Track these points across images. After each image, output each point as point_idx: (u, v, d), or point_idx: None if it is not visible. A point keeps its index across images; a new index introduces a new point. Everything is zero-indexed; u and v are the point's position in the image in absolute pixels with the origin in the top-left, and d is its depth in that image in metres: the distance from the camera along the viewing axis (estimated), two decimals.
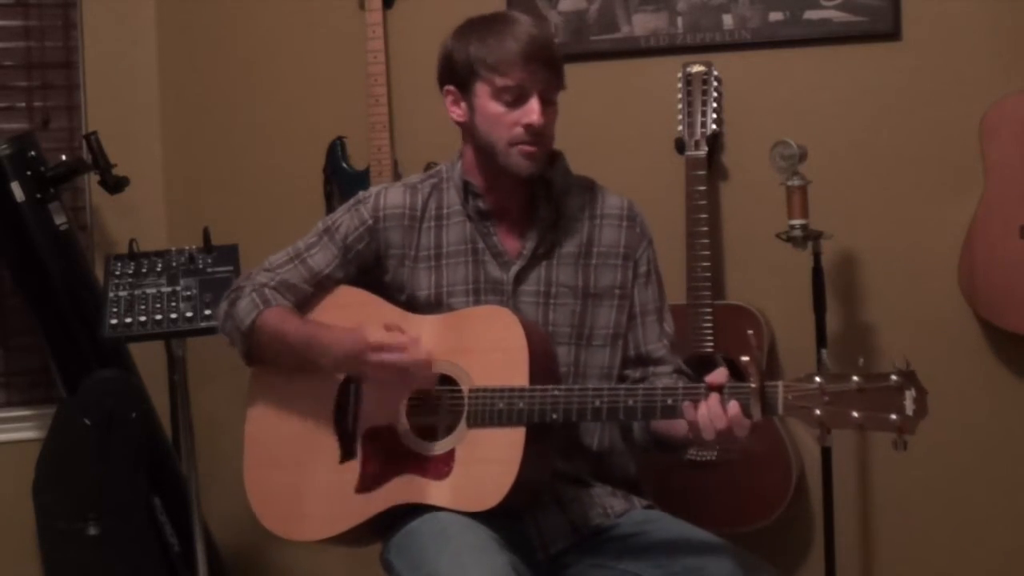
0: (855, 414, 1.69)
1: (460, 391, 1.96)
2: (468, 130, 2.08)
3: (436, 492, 1.93)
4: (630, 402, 1.86)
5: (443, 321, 2.03)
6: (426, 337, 2.00)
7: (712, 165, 2.79)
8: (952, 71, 2.78)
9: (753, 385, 1.74)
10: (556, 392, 1.90)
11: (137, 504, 2.89)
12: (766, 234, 2.69)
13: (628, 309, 2.13)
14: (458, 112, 2.08)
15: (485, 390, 1.93)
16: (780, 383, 1.75)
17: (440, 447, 1.96)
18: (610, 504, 2.07)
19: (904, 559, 2.88)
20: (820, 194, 2.63)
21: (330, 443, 2.05)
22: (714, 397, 1.78)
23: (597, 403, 1.87)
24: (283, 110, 3.21)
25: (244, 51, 3.24)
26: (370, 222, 2.11)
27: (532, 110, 1.99)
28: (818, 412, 1.71)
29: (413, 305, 2.09)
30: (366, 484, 2.00)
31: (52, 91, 3.21)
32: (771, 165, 2.60)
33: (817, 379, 1.72)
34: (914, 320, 2.83)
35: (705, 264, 2.69)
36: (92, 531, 2.83)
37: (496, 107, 2.01)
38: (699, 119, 2.75)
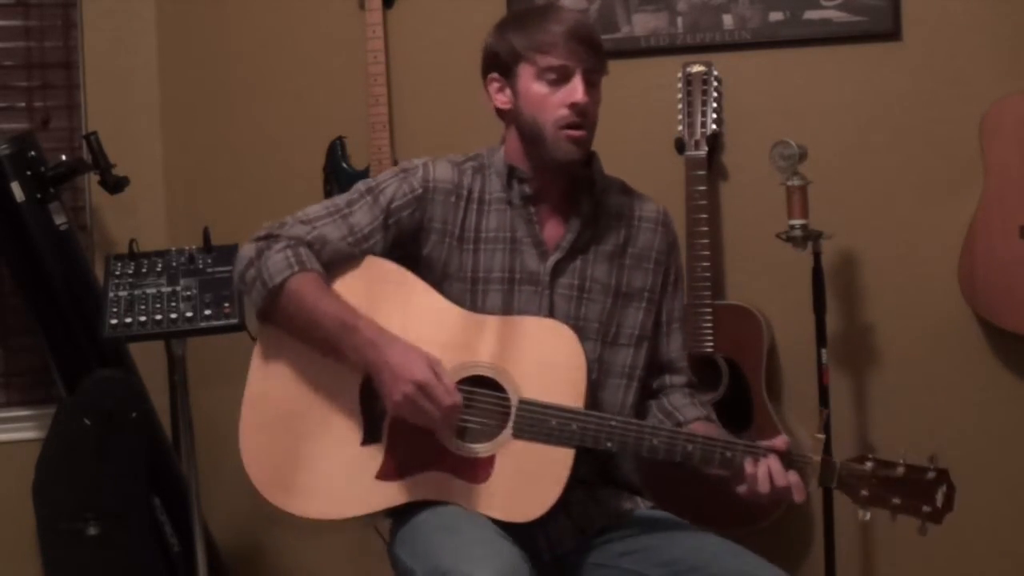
0: (895, 500, 1.88)
1: (507, 399, 1.93)
2: (513, 116, 2.07)
3: (471, 495, 1.91)
4: (689, 447, 1.91)
5: (499, 324, 1.98)
6: (478, 337, 1.97)
7: (712, 165, 2.79)
8: (952, 71, 2.78)
9: (816, 459, 1.90)
10: (614, 423, 1.91)
11: (137, 504, 2.89)
12: (766, 234, 2.69)
13: (655, 315, 2.14)
14: (502, 99, 2.06)
15: (538, 404, 1.91)
16: (838, 461, 1.90)
17: (481, 450, 1.92)
18: (615, 504, 2.07)
19: (904, 559, 2.88)
20: (820, 194, 2.63)
21: (352, 421, 1.97)
22: (774, 458, 1.90)
23: (655, 441, 1.91)
24: (283, 110, 3.21)
25: (244, 51, 3.24)
26: (419, 191, 2.06)
27: (576, 89, 1.98)
28: (864, 492, 1.89)
29: (444, 285, 2.05)
30: (389, 472, 1.94)
31: (52, 91, 3.21)
32: (771, 165, 2.60)
33: (868, 464, 1.89)
34: (914, 320, 2.83)
35: (705, 264, 2.69)
36: (92, 531, 2.83)
37: (540, 88, 2.00)
38: (699, 119, 2.75)
